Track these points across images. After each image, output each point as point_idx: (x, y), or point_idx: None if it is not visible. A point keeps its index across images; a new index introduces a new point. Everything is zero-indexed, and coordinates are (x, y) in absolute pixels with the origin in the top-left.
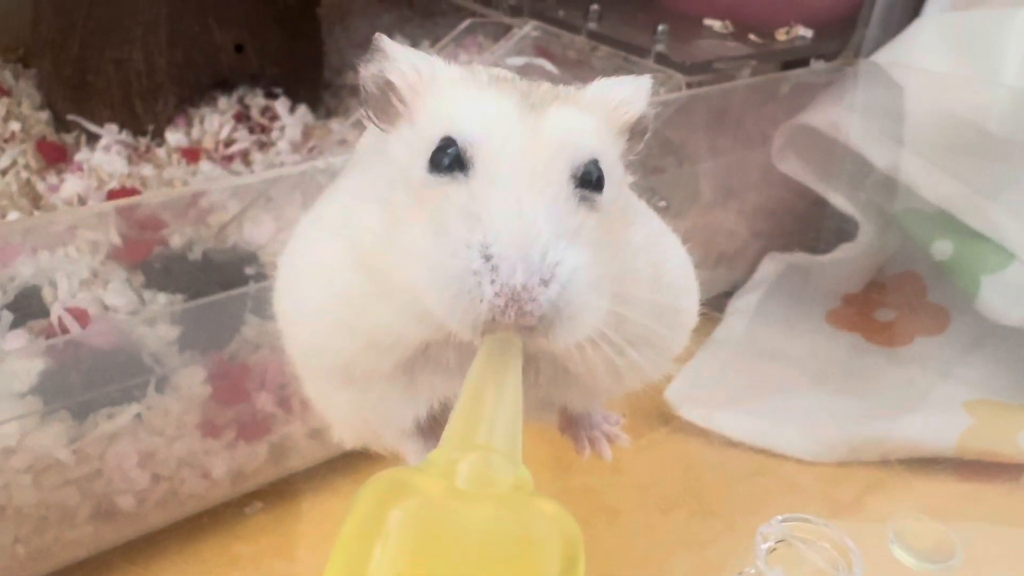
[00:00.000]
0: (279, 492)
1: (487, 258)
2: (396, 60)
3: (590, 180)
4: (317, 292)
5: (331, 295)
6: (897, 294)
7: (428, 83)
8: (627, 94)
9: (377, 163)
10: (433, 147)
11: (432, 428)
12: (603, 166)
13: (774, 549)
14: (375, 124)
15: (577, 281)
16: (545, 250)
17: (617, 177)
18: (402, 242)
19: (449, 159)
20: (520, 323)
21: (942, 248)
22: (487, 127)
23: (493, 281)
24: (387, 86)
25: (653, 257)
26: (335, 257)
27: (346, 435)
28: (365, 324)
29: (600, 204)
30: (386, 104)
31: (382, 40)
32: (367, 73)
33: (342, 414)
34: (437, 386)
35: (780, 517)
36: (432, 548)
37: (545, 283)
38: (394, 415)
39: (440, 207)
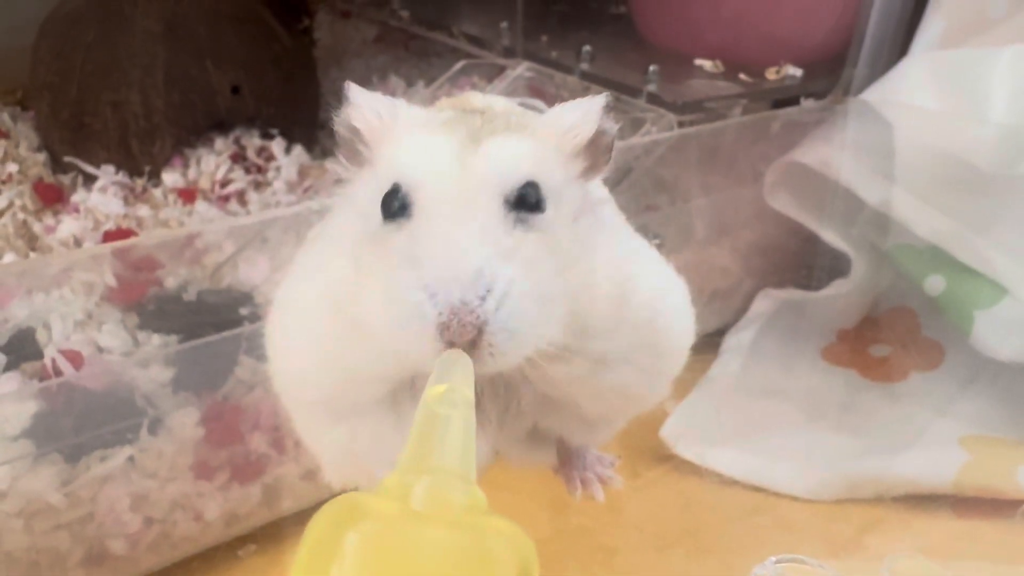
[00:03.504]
0: (272, 534)
1: (425, 288)
2: (360, 106)
3: (528, 202)
4: (299, 330)
5: (311, 336)
6: (891, 330)
7: (388, 128)
8: (577, 117)
9: (351, 207)
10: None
11: None
12: (545, 188)
13: None
14: (348, 169)
15: (513, 294)
16: (478, 270)
17: (570, 197)
18: (365, 292)
19: (398, 204)
20: (465, 336)
21: (935, 283)
22: (425, 170)
23: (435, 305)
24: (353, 132)
25: (621, 274)
26: (314, 300)
27: (336, 475)
28: (343, 364)
29: (542, 223)
30: (354, 150)
31: (349, 87)
32: (339, 119)
33: (334, 453)
34: None
35: (774, 558)
36: (388, 570)
37: (482, 298)
38: (386, 451)
39: (389, 254)
